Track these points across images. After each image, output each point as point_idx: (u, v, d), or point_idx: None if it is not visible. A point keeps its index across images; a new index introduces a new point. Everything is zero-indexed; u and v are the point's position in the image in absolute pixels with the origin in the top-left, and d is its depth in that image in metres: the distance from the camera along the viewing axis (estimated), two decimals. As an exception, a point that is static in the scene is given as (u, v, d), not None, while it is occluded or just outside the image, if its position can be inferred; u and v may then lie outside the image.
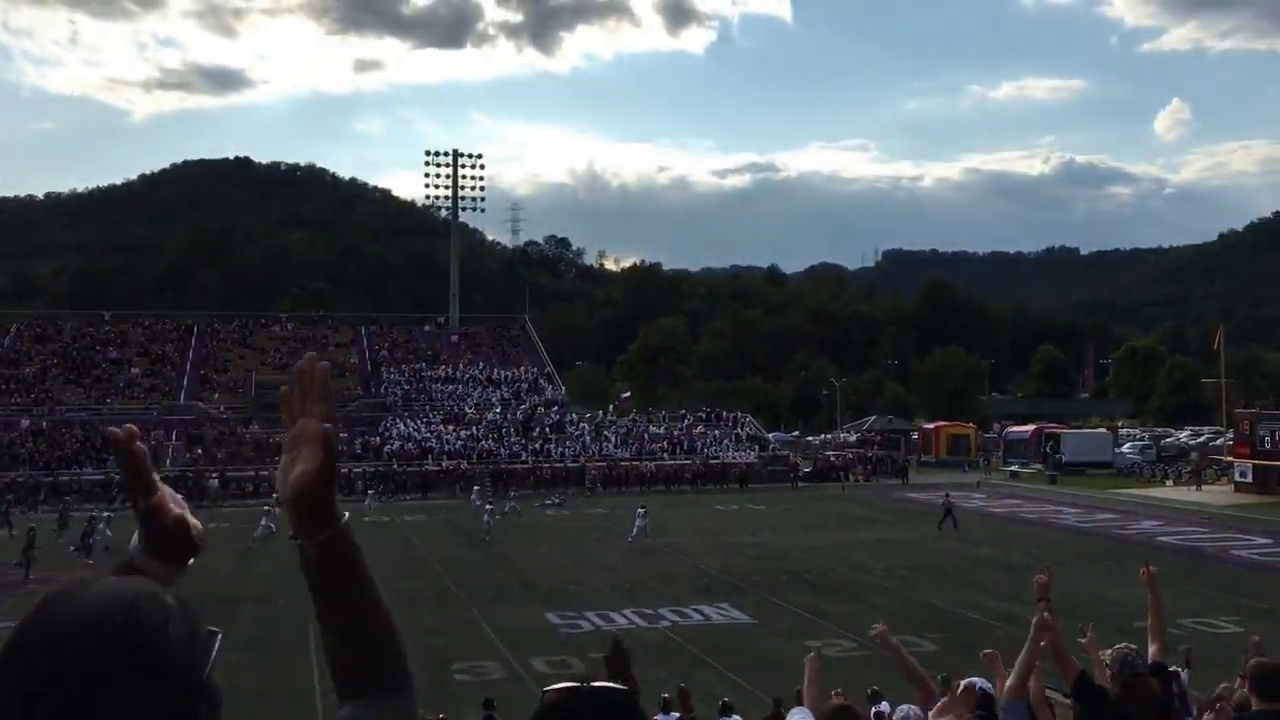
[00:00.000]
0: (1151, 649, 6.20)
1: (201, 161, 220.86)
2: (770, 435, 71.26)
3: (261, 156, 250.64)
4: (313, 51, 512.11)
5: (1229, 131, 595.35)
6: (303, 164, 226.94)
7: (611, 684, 1.79)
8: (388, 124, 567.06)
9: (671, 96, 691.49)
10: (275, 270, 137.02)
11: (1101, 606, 22.60)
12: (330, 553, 1.50)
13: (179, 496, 1.56)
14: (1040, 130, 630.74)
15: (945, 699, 5.79)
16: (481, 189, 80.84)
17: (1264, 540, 36.56)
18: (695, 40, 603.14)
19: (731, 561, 32.43)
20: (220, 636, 1.30)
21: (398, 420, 62.62)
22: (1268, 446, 52.64)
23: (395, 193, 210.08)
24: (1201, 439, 75.42)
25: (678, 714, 12.89)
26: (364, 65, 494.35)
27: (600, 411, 68.79)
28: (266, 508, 37.79)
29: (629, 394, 75.46)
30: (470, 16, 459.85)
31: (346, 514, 1.52)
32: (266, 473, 52.75)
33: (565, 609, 24.68)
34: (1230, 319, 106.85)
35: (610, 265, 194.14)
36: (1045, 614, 5.53)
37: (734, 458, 62.16)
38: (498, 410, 65.47)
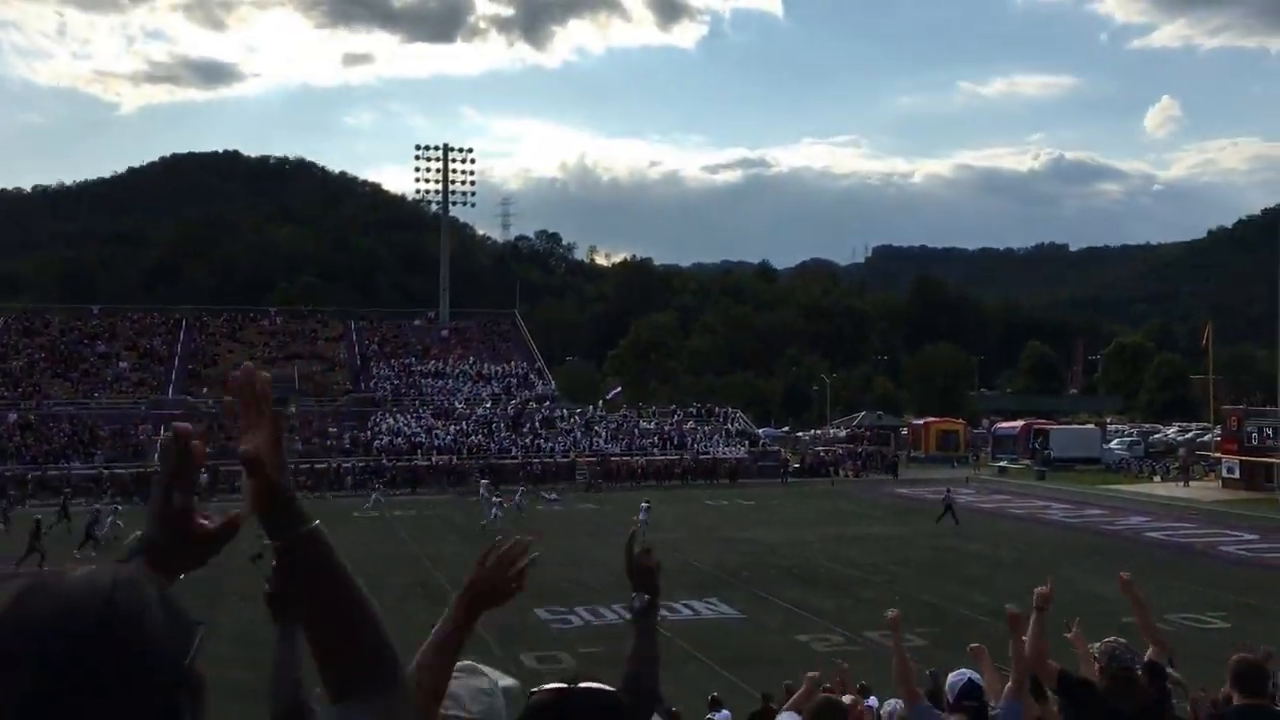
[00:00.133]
0: (1149, 652, 6.22)
1: (190, 155, 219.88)
2: (761, 431, 71.33)
3: (250, 150, 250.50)
4: (302, 45, 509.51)
5: (1218, 129, 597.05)
6: (292, 158, 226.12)
7: (599, 685, 1.79)
8: (377, 118, 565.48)
9: (663, 91, 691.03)
10: (264, 264, 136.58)
11: (1089, 602, 22.68)
12: (295, 557, 1.47)
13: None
14: (1030, 127, 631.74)
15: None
16: (472, 183, 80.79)
17: (1251, 536, 36.76)
18: (687, 35, 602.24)
19: (721, 556, 32.47)
20: (204, 627, 1.28)
21: (387, 415, 62.52)
22: (1255, 443, 52.92)
23: (385, 187, 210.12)
24: (1189, 435, 75.72)
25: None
26: (353, 59, 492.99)
27: (590, 407, 68.80)
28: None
29: (619, 389, 75.49)
30: (461, 10, 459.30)
31: (317, 521, 1.49)
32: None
33: (555, 605, 24.69)
34: (1219, 316, 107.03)
35: (601, 260, 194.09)
36: (1012, 609, 5.57)
37: (724, 453, 62.22)
38: (488, 405, 65.42)
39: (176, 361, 67.47)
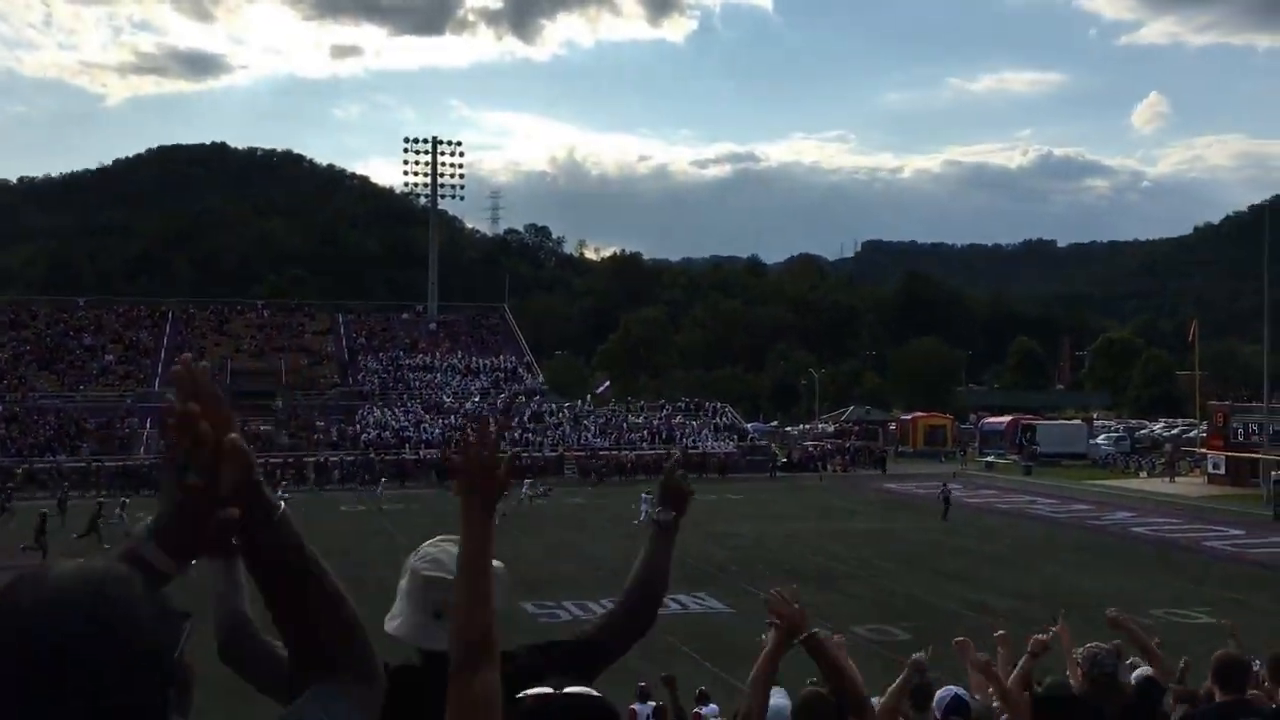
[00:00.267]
0: (1147, 669, 6.25)
1: (177, 147, 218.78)
2: (749, 425, 71.41)
3: (238, 142, 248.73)
4: (290, 37, 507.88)
5: (1206, 125, 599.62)
6: (280, 150, 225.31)
7: (585, 690, 1.78)
8: (366, 110, 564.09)
9: (652, 86, 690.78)
10: (252, 257, 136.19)
11: (1075, 597, 22.79)
12: (266, 544, 1.46)
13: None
14: (1019, 123, 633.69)
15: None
16: (461, 176, 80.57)
17: (1236, 532, 36.94)
18: (676, 29, 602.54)
19: (709, 551, 32.49)
20: (193, 619, 1.28)
21: (374, 409, 62.40)
22: (1241, 439, 53.16)
23: (374, 180, 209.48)
24: (1175, 431, 76.07)
25: (655, 703, 12.90)
26: (341, 51, 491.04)
27: (579, 401, 68.76)
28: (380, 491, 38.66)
29: (608, 383, 75.46)
30: (450, 3, 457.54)
31: (282, 505, 1.47)
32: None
33: (542, 598, 24.67)
34: (1205, 312, 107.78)
35: (590, 254, 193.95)
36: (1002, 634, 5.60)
37: (713, 448, 62.26)
38: (476, 399, 65.32)
39: (163, 354, 67.15)
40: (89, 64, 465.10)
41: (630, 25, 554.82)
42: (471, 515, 2.02)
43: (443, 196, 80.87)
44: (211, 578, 2.96)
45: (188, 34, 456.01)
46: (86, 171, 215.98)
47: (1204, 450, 56.97)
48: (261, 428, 58.41)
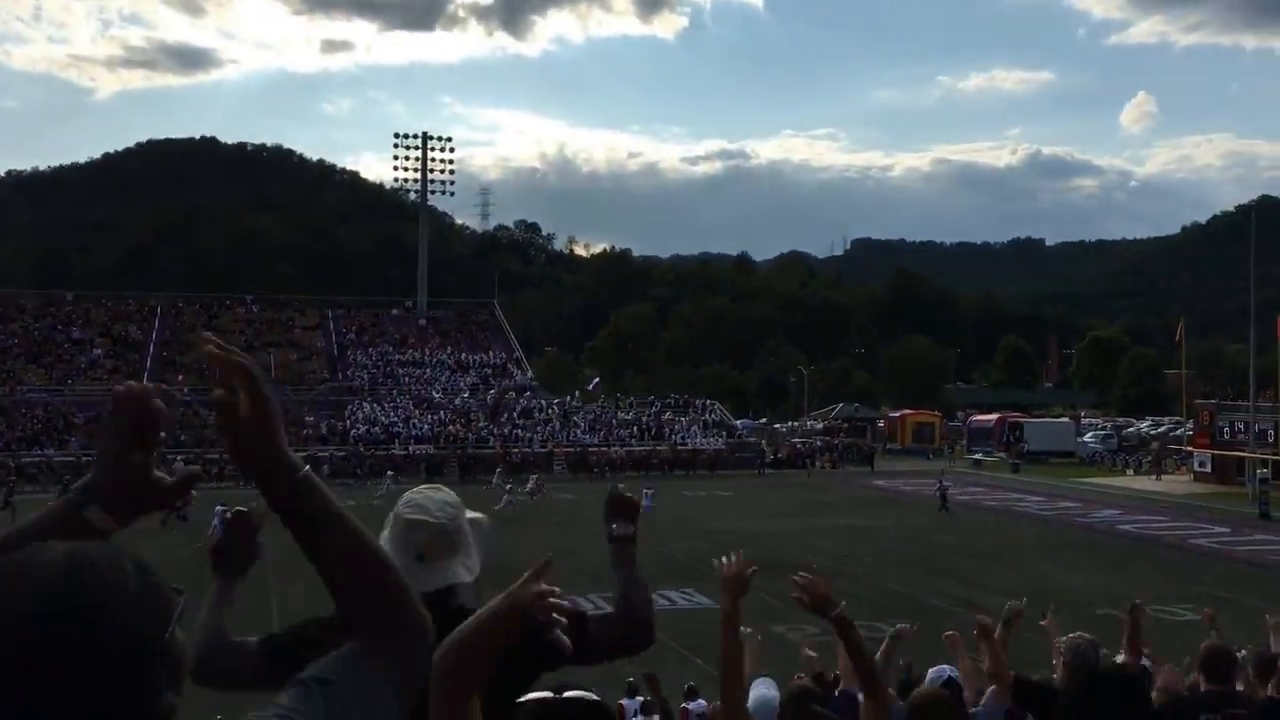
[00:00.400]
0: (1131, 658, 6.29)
1: (167, 141, 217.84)
2: (738, 422, 71.51)
3: (228, 137, 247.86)
4: (280, 31, 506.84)
5: (1193, 125, 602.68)
6: (270, 145, 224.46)
7: (584, 694, 1.82)
8: (356, 105, 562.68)
9: (643, 82, 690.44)
10: (241, 252, 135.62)
11: (1063, 594, 22.89)
12: (291, 506, 1.47)
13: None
14: (1008, 122, 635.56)
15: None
16: (451, 172, 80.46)
17: (1221, 529, 37.15)
18: (667, 26, 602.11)
19: (698, 547, 32.55)
20: (185, 595, 1.27)
21: (364, 404, 62.31)
22: (1226, 437, 53.41)
23: (364, 175, 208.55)
24: (1162, 429, 76.39)
25: (642, 698, 12.96)
26: (332, 46, 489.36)
27: (568, 397, 68.76)
28: None
29: (598, 380, 75.47)
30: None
31: (306, 467, 1.49)
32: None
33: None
34: (1192, 311, 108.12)
35: (580, 251, 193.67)
36: (981, 619, 5.61)
37: (702, 444, 62.34)
38: (465, 395, 65.27)
39: (151, 349, 67.02)
40: (78, 57, 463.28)
41: (621, 21, 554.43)
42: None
43: (433, 192, 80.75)
44: (208, 594, 3.00)
45: (177, 28, 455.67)
46: (75, 165, 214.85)
47: (1190, 448, 57.23)
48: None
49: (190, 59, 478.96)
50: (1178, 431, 69.81)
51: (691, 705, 13.22)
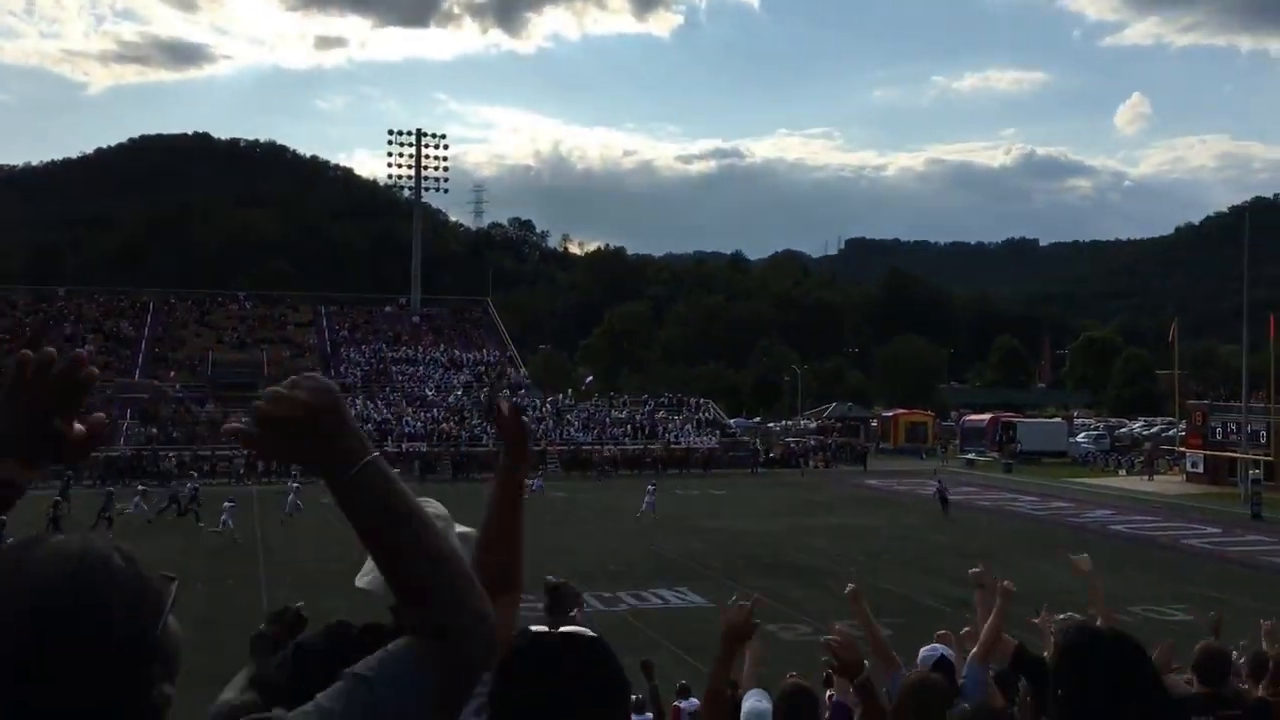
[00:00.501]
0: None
1: (159, 136, 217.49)
2: (732, 421, 71.50)
3: (221, 133, 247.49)
4: (274, 27, 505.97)
5: (1187, 126, 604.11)
6: (263, 141, 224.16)
7: (581, 629, 1.77)
8: (350, 102, 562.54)
9: (638, 81, 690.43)
10: (234, 248, 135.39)
11: (1054, 594, 22.87)
12: (353, 497, 1.44)
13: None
14: (1002, 122, 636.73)
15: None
16: (445, 169, 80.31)
17: (1214, 530, 37.20)
18: (662, 24, 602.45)
19: (691, 545, 32.55)
20: (177, 584, 1.28)
21: (357, 401, 62.17)
22: (1219, 438, 53.51)
23: (357, 172, 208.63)
24: (1154, 430, 76.50)
25: (635, 696, 12.89)
26: (326, 42, 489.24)
27: (560, 395, 68.69)
28: (294, 485, 38.96)
29: (591, 378, 75.44)
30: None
31: (375, 453, 1.46)
32: (225, 452, 52.29)
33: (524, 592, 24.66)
34: (1185, 312, 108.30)
35: (574, 249, 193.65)
36: (1005, 584, 5.60)
37: (695, 443, 62.33)
38: (459, 393, 65.17)
39: (143, 345, 66.82)
40: (71, 52, 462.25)
41: (616, 19, 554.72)
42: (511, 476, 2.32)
43: (426, 189, 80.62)
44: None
45: (171, 23, 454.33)
46: (68, 161, 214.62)
47: (1182, 449, 57.32)
48: (243, 419, 58.04)
49: (184, 54, 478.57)
50: (1170, 432, 69.88)
51: (684, 704, 13.17)
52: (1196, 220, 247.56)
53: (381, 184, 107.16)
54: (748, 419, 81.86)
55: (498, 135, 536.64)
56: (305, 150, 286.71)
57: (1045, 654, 5.52)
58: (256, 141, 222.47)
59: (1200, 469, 53.81)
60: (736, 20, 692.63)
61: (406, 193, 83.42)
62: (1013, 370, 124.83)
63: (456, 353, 71.43)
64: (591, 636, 1.75)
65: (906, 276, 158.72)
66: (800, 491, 49.25)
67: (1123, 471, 60.06)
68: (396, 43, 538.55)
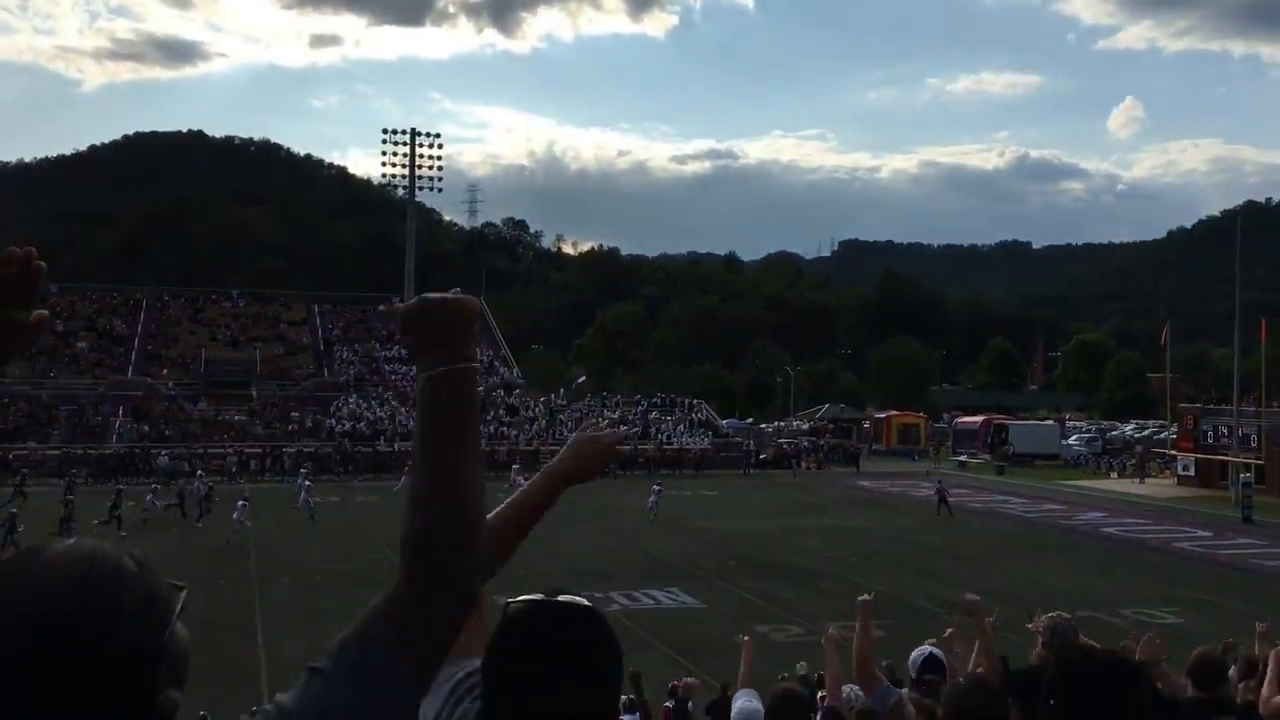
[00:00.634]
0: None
1: (154, 134, 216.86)
2: (725, 422, 71.52)
3: (215, 130, 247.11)
4: (269, 25, 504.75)
5: (1180, 130, 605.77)
6: (257, 139, 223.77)
7: (576, 598, 1.77)
8: (344, 100, 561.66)
9: (633, 81, 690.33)
10: (228, 246, 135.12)
11: (1046, 596, 22.95)
12: (442, 386, 1.54)
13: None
14: (996, 125, 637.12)
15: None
16: (439, 169, 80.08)
17: (1204, 533, 37.31)
18: (657, 25, 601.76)
19: (683, 546, 32.57)
20: (186, 592, 1.28)
21: (349, 400, 62.12)
22: (1210, 441, 53.66)
23: (351, 170, 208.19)
24: (1146, 433, 76.68)
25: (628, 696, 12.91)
26: (321, 40, 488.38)
27: (552, 395, 68.65)
28: (305, 483, 39.16)
29: (584, 378, 75.40)
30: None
31: (467, 364, 1.55)
32: (218, 450, 52.24)
33: (511, 591, 24.65)
34: (1177, 315, 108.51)
35: (568, 249, 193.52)
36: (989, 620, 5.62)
37: (688, 444, 62.35)
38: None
39: (136, 342, 66.67)
40: (65, 49, 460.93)
41: (611, 20, 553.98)
42: (551, 497, 2.40)
43: (421, 188, 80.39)
44: None
45: (165, 21, 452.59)
46: (62, 157, 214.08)
47: (1174, 452, 57.47)
48: (236, 417, 58.13)
49: (178, 52, 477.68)
50: (1162, 435, 70.09)
51: (675, 704, 13.18)
52: (1189, 224, 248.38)
53: (375, 183, 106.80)
54: (740, 420, 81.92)
55: (492, 135, 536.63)
56: (300, 149, 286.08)
57: (1035, 651, 5.57)
58: (251, 140, 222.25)
59: (1191, 472, 53.94)
60: (731, 21, 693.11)
61: (400, 192, 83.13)
62: (1005, 372, 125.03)
63: (450, 352, 71.35)
64: (586, 606, 1.75)
65: (900, 278, 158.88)
66: (793, 493, 49.31)
67: (1114, 474, 60.20)
68: (391, 41, 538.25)
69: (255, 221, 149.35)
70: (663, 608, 23.97)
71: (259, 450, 53.94)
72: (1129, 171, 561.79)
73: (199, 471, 44.84)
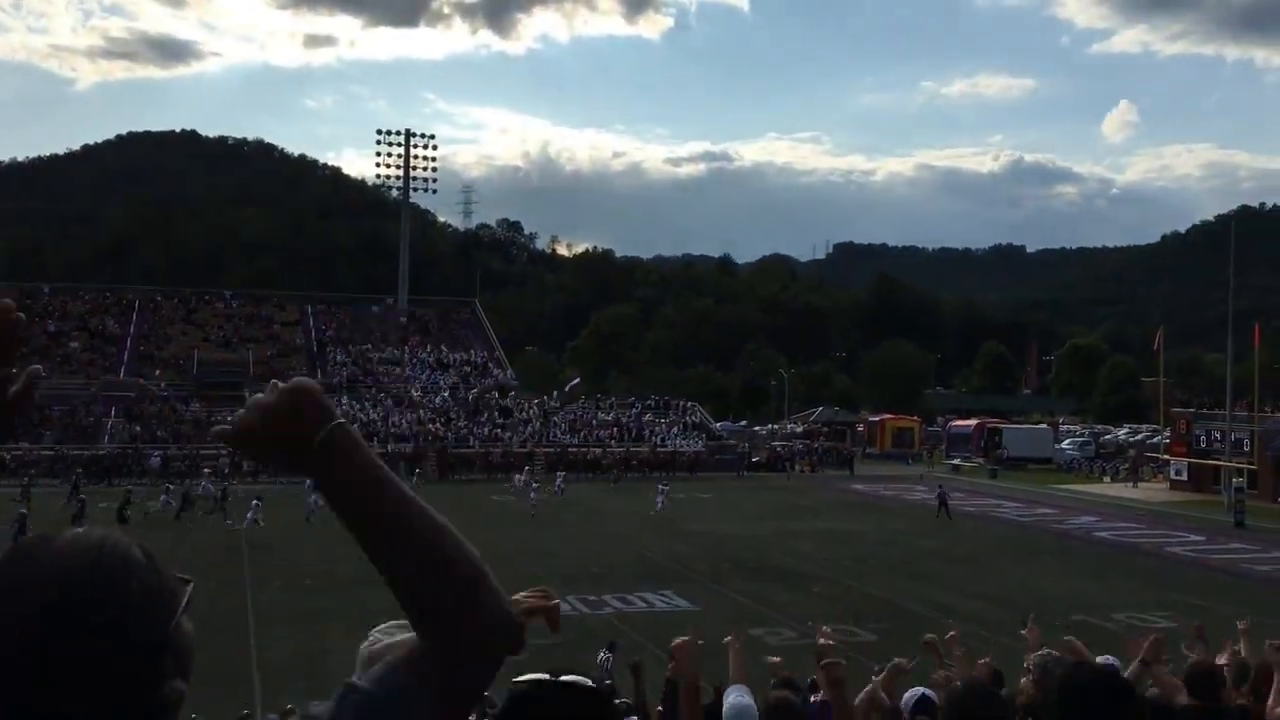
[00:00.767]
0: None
1: (147, 133, 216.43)
2: (719, 425, 71.53)
3: (209, 130, 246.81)
4: (263, 25, 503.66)
5: (1174, 134, 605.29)
6: (251, 139, 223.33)
7: (581, 677, 1.76)
8: (339, 101, 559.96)
9: (628, 83, 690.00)
10: (221, 246, 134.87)
11: (1039, 600, 22.97)
12: (319, 464, 1.43)
13: None
14: (991, 128, 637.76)
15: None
16: (433, 170, 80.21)
17: (1197, 537, 37.37)
18: (652, 27, 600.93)
19: (677, 549, 32.56)
20: (193, 584, 1.29)
21: (342, 401, 61.98)
22: (1203, 445, 53.76)
23: (345, 171, 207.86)
24: (1139, 437, 76.83)
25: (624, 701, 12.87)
26: (315, 41, 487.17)
27: (545, 397, 68.60)
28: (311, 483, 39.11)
29: (578, 380, 75.39)
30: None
31: (339, 419, 1.42)
32: (210, 451, 52.09)
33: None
34: (1171, 320, 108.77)
35: (562, 250, 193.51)
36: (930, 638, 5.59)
37: (682, 446, 62.33)
38: (445, 394, 65.05)
39: (128, 343, 66.52)
40: (59, 47, 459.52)
41: (606, 21, 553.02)
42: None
43: (415, 189, 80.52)
44: None
45: (159, 19, 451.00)
46: (54, 156, 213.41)
47: (1167, 456, 57.58)
48: (228, 419, 57.88)
49: (172, 51, 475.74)
50: (1155, 439, 70.22)
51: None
52: (1183, 228, 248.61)
53: (370, 184, 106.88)
54: (734, 423, 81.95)
55: (487, 136, 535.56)
56: (293, 149, 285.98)
57: (1024, 680, 5.54)
58: (245, 140, 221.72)
59: (1184, 477, 54.04)
60: (726, 24, 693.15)
61: (395, 193, 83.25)
62: (999, 376, 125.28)
63: (443, 353, 71.31)
64: (591, 687, 1.75)
65: (894, 281, 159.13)
66: (786, 495, 49.31)
67: (1107, 478, 60.29)
68: (386, 42, 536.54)
69: (249, 222, 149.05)
70: (656, 610, 23.95)
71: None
72: (1123, 176, 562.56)
73: (205, 469, 44.91)
